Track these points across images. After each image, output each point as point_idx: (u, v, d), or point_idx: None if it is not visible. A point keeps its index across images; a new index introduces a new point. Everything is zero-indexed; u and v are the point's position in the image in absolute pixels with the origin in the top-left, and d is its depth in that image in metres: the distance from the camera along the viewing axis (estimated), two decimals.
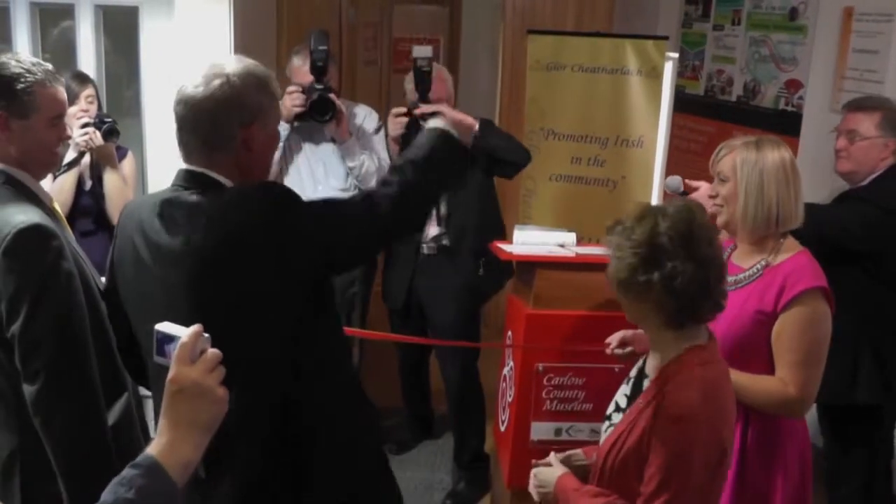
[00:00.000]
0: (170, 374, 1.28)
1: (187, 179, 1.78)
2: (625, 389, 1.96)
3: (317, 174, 3.68)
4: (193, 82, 1.74)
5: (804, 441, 2.27)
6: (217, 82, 1.72)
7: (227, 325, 1.65)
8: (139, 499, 1.19)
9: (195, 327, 1.30)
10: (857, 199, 3.00)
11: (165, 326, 1.34)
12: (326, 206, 1.88)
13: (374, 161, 3.65)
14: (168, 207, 1.75)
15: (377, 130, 3.72)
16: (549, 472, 1.99)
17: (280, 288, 1.71)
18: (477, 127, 3.44)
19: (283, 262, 1.69)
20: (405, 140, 3.41)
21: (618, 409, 1.94)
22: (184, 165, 1.80)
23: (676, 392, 1.72)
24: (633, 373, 1.97)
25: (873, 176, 3.02)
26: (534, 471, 2.04)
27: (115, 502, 1.18)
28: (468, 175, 3.47)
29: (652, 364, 1.87)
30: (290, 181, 3.64)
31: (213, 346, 1.34)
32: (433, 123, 1.97)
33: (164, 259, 1.74)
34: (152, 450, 1.25)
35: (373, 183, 3.62)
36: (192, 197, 1.74)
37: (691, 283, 1.72)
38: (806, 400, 2.16)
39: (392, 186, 1.81)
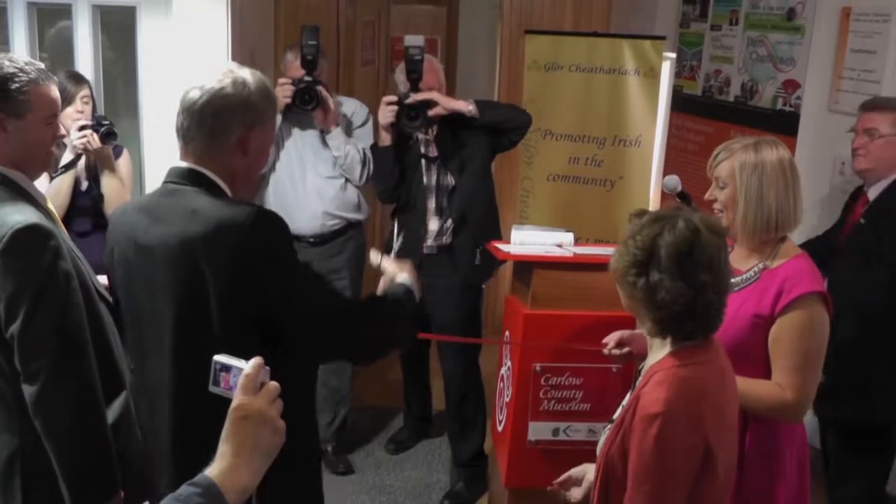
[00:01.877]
0: (234, 403, 1.32)
1: (181, 175, 1.82)
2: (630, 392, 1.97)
3: (305, 160, 3.79)
4: (210, 76, 1.81)
5: (802, 445, 2.27)
6: (232, 79, 1.81)
7: (204, 329, 1.70)
8: None
9: (257, 360, 1.35)
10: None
11: (223, 357, 1.40)
12: (311, 282, 1.85)
13: (360, 152, 3.74)
14: (162, 205, 1.80)
15: (364, 123, 3.83)
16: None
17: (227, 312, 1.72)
18: (472, 107, 3.47)
19: (235, 292, 1.70)
20: (394, 128, 3.48)
21: None
22: (179, 163, 1.84)
23: (650, 392, 1.73)
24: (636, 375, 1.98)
25: (893, 177, 3.03)
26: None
27: None
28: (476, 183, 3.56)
29: (646, 364, 1.88)
30: (280, 166, 3.78)
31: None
32: (401, 279, 2.02)
33: (153, 257, 1.77)
34: (211, 472, 1.27)
35: (357, 172, 3.72)
36: (187, 196, 1.78)
37: (674, 303, 1.72)
38: (802, 405, 2.15)
39: (371, 310, 1.89)
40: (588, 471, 2.14)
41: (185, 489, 1.24)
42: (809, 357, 2.15)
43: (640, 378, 1.86)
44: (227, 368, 1.38)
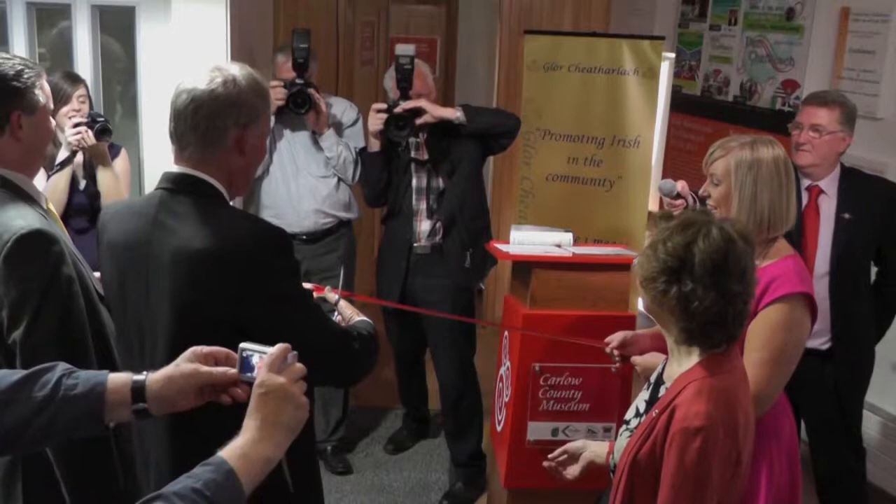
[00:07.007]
0: (258, 380, 1.36)
1: (175, 181, 1.79)
2: (644, 395, 1.95)
3: (298, 161, 3.82)
4: (198, 77, 1.78)
5: (792, 441, 2.26)
6: (221, 79, 1.77)
7: (203, 337, 1.67)
8: (206, 489, 1.23)
9: (284, 345, 1.39)
10: None
11: (250, 345, 1.43)
12: (309, 313, 1.83)
13: (352, 152, 3.78)
14: (161, 213, 1.77)
15: (353, 123, 3.86)
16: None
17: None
18: (460, 114, 3.48)
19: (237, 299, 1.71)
20: (383, 135, 3.52)
21: (637, 414, 1.93)
22: (174, 168, 1.81)
23: (689, 404, 1.70)
24: (653, 378, 1.96)
25: (836, 170, 3.04)
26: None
27: (182, 490, 1.22)
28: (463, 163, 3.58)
29: (669, 371, 1.87)
30: (273, 167, 3.81)
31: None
32: (361, 318, 2.05)
33: (151, 267, 1.75)
34: (234, 443, 1.30)
35: (350, 172, 3.78)
36: (185, 205, 1.76)
37: (706, 312, 1.70)
38: (764, 399, 2.10)
39: (358, 345, 1.88)
40: (587, 447, 2.13)
41: (197, 468, 1.26)
42: (781, 354, 2.12)
43: (666, 385, 1.84)
44: (254, 354, 1.42)
